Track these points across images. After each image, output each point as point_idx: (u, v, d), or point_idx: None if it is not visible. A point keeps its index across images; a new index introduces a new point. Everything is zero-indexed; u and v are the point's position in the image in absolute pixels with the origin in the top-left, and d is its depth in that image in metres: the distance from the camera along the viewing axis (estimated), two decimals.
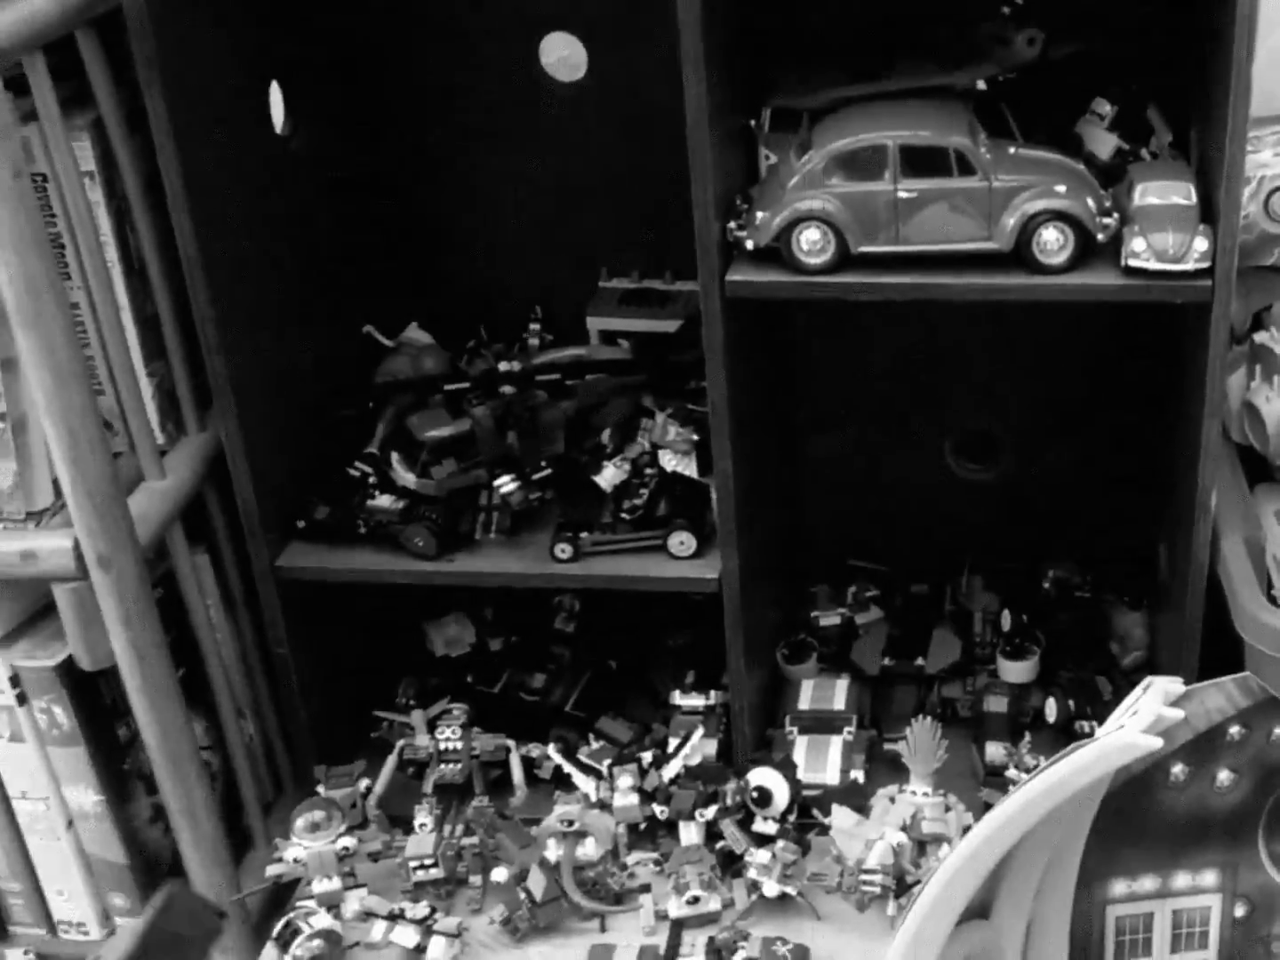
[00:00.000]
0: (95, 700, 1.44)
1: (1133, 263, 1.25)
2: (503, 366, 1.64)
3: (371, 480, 1.54)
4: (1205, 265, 1.23)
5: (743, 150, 1.41)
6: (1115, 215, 1.28)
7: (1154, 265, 1.24)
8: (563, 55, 1.59)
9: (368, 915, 1.42)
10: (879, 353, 1.68)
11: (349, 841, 1.43)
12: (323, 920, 1.41)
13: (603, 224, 1.66)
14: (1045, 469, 1.70)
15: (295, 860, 1.43)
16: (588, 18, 1.57)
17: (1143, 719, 0.93)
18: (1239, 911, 1.05)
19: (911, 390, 1.69)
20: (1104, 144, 1.39)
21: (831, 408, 1.72)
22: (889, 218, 1.28)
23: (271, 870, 1.44)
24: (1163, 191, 1.27)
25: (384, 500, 1.52)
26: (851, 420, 1.73)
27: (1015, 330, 1.61)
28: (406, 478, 1.53)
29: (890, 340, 1.66)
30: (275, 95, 1.47)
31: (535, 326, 1.70)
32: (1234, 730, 0.98)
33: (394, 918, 1.41)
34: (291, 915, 1.41)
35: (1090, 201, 1.27)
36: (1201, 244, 1.23)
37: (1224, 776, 0.99)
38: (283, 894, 1.46)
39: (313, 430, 1.56)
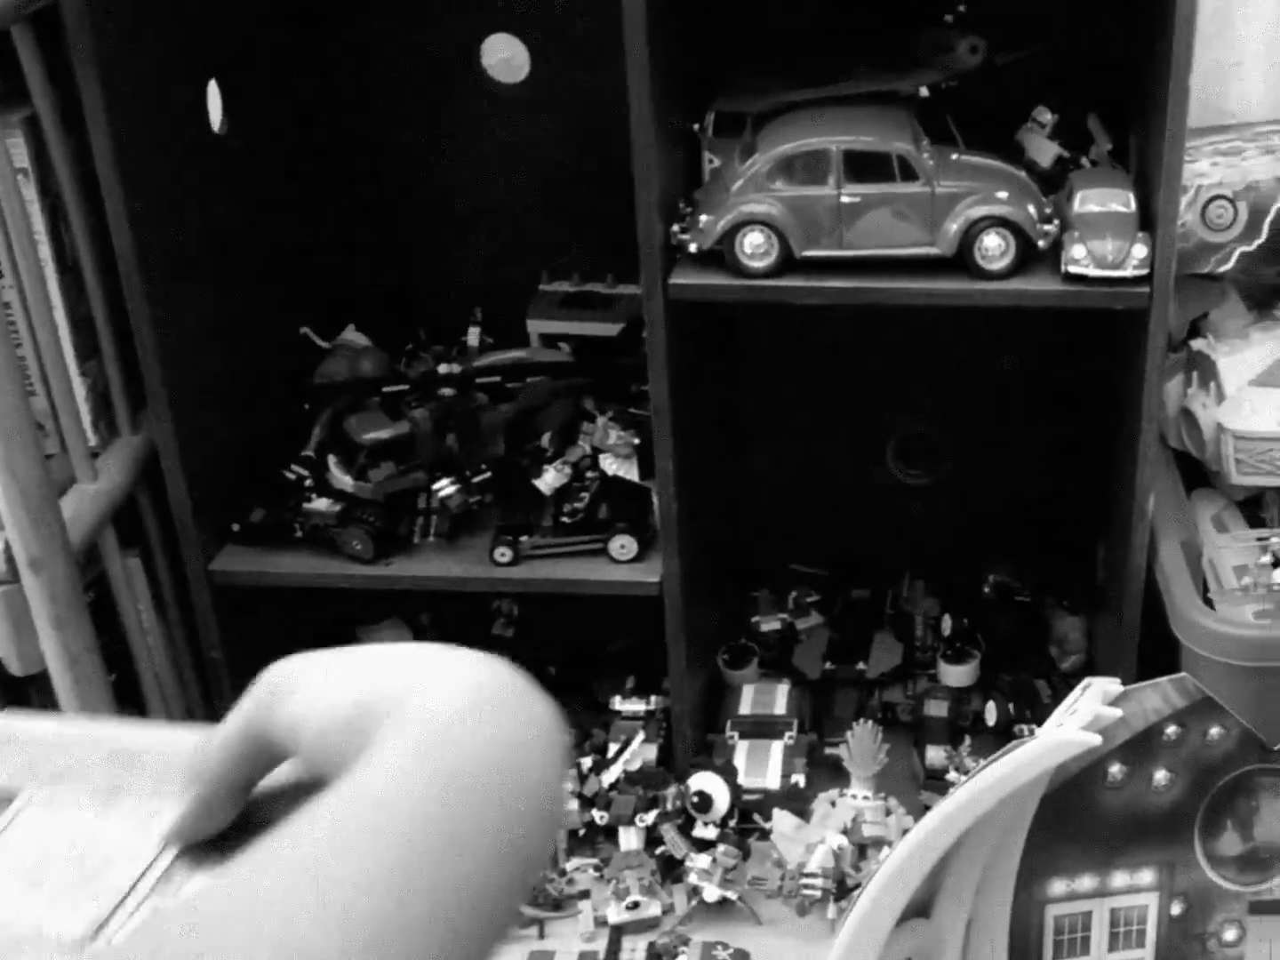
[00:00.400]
0: (24, 705, 1.44)
1: (1073, 269, 1.28)
2: (442, 369, 1.66)
3: (308, 483, 1.55)
4: (1143, 272, 1.28)
5: (686, 153, 1.44)
6: (1056, 222, 1.31)
7: (1093, 271, 1.28)
8: (505, 57, 1.61)
9: None
10: (821, 357, 1.71)
11: None
12: None
13: (544, 226, 1.68)
14: (986, 474, 1.74)
15: None
16: (530, 19, 1.60)
17: (1081, 718, 0.96)
18: (1175, 909, 1.08)
19: (853, 395, 1.73)
20: (1045, 152, 1.43)
21: (773, 412, 1.76)
22: (832, 222, 1.31)
23: None
24: (1102, 199, 1.31)
25: (320, 503, 1.53)
26: (793, 425, 1.76)
27: (957, 335, 1.64)
28: (344, 480, 1.54)
29: (832, 344, 1.69)
30: (213, 94, 1.49)
31: (475, 329, 1.72)
32: (1170, 730, 1.01)
33: None
34: None
35: (1031, 208, 1.30)
36: (1140, 251, 1.27)
37: (1160, 776, 1.02)
38: None
39: (248, 433, 1.57)
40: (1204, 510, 1.51)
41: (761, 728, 1.60)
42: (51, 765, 0.60)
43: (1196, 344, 1.52)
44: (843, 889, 1.38)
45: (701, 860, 1.43)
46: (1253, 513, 1.51)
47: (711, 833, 1.45)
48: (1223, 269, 1.49)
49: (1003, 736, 1.53)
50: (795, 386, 1.74)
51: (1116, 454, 1.45)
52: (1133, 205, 1.31)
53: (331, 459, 1.56)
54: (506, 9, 1.60)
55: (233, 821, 0.53)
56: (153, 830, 0.54)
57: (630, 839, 1.47)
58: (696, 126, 1.44)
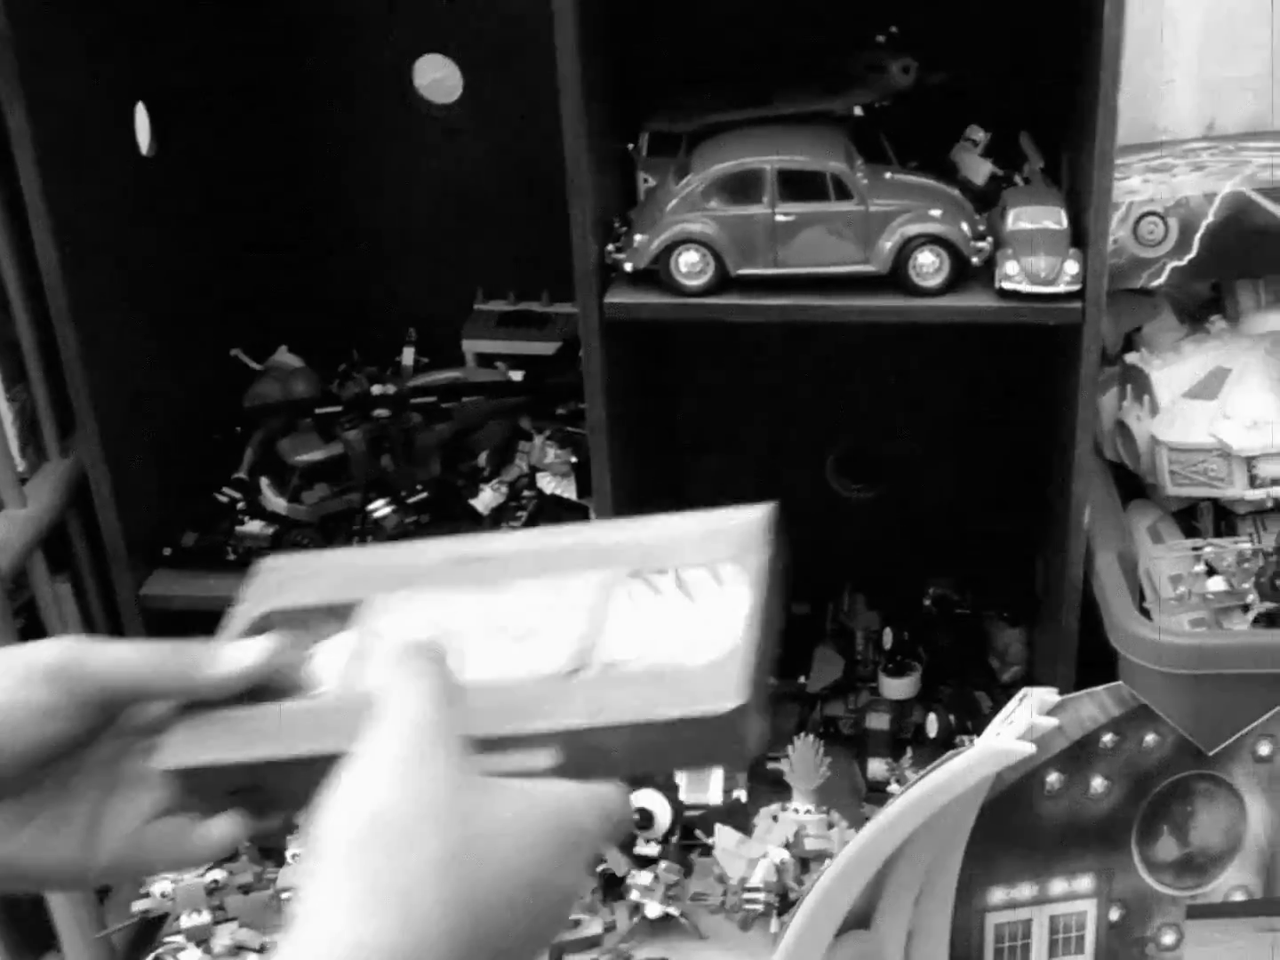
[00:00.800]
0: None
1: (1006, 285, 1.33)
2: (376, 390, 1.68)
3: (240, 506, 1.57)
4: (1076, 288, 1.32)
5: (620, 173, 1.47)
6: (989, 239, 1.36)
7: (1027, 288, 1.32)
8: (437, 77, 1.64)
9: (239, 949, 1.44)
10: (759, 373, 1.75)
11: (219, 874, 1.45)
12: (192, 956, 1.43)
13: (478, 245, 1.71)
14: (925, 488, 1.78)
15: (163, 895, 1.44)
16: (462, 40, 1.62)
17: (1018, 727, 1.00)
18: (1114, 915, 1.12)
19: (792, 411, 1.76)
20: (978, 170, 1.47)
21: (712, 428, 1.79)
22: (767, 240, 1.35)
23: (138, 905, 1.45)
24: (1035, 216, 1.36)
25: (253, 526, 1.55)
26: (731, 441, 1.79)
27: (895, 351, 1.68)
28: (277, 503, 1.56)
29: (770, 361, 1.73)
30: (141, 116, 1.50)
31: (410, 349, 1.74)
32: (1107, 738, 1.05)
33: (267, 950, 1.43)
34: (160, 951, 1.43)
35: (964, 226, 1.35)
36: (1072, 267, 1.32)
37: (1098, 784, 1.06)
38: (150, 930, 1.48)
39: (179, 456, 1.58)
40: (1140, 521, 1.55)
41: None
42: (393, 576, 0.63)
43: (1130, 358, 1.57)
44: (786, 902, 1.41)
45: (643, 877, 1.45)
46: (1187, 523, 1.55)
47: (653, 849, 1.47)
48: (1155, 284, 1.54)
49: (944, 748, 1.56)
50: (733, 403, 1.77)
51: (1053, 467, 1.49)
52: (1064, 222, 1.35)
53: (264, 481, 1.58)
54: (438, 30, 1.62)
55: None
56: (575, 596, 0.59)
57: None
58: (630, 146, 1.47)
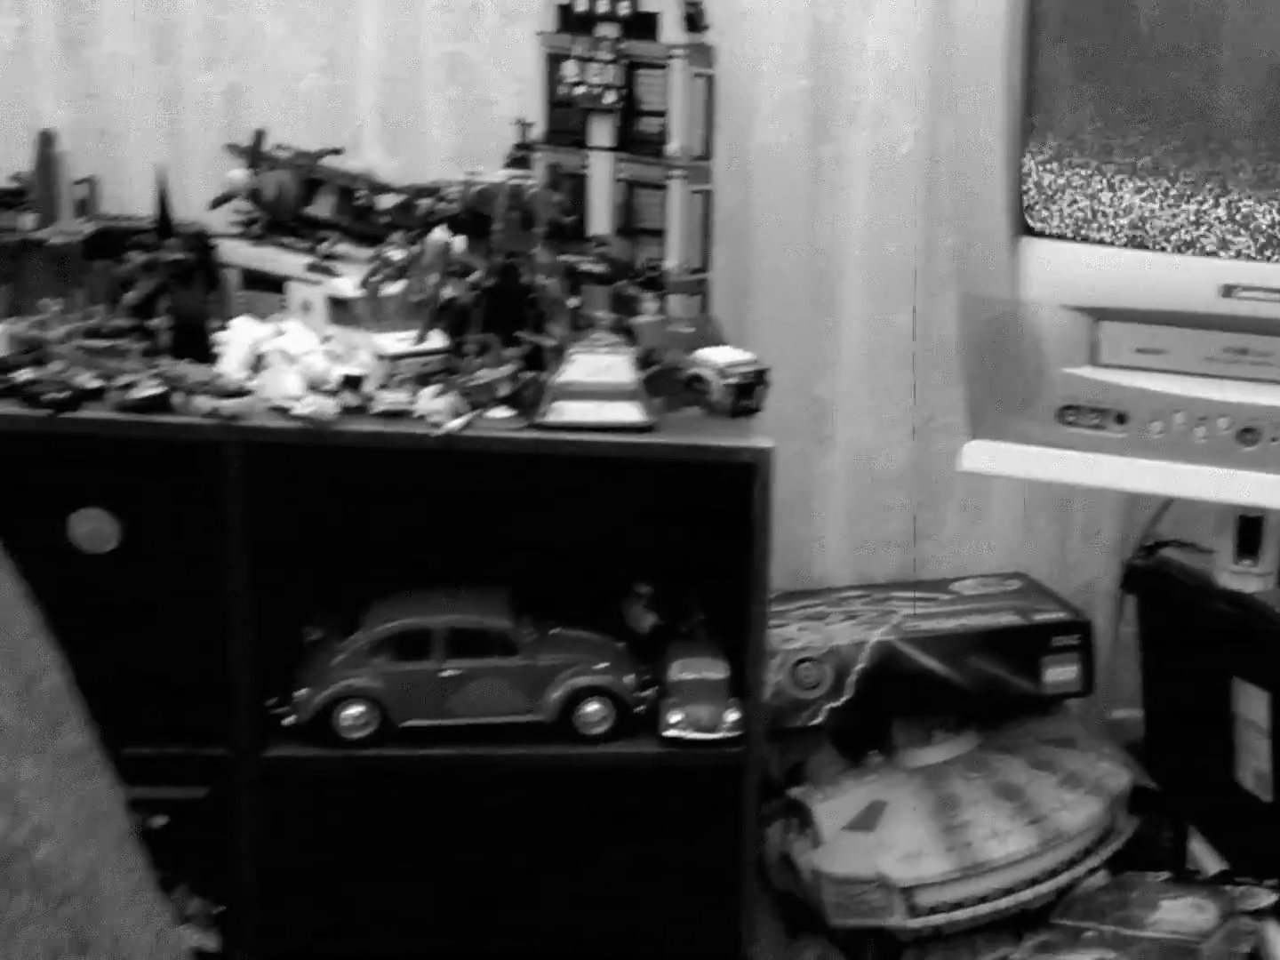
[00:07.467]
0: None
1: (670, 733, 1.43)
2: None
3: None
4: (737, 734, 1.44)
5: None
6: (653, 688, 1.45)
7: (690, 735, 1.44)
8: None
9: None
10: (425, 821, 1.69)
11: None
12: None
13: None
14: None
15: None
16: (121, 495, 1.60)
17: None
18: None
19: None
20: (643, 621, 1.59)
21: None
22: (435, 693, 1.41)
23: None
24: (697, 667, 1.48)
25: None
26: None
27: (563, 798, 1.71)
28: None
29: (439, 810, 1.71)
30: None
31: None
32: None
33: None
34: None
35: (629, 678, 1.46)
36: (733, 715, 1.45)
37: None
38: None
39: None
40: (808, 955, 1.61)
41: None
42: None
43: (794, 791, 1.67)
44: None
45: None
46: (854, 954, 1.61)
47: None
48: (813, 723, 1.66)
49: None
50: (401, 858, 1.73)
51: (723, 906, 1.54)
52: (725, 672, 1.46)
53: None
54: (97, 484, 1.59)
55: None
56: None
57: None
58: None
